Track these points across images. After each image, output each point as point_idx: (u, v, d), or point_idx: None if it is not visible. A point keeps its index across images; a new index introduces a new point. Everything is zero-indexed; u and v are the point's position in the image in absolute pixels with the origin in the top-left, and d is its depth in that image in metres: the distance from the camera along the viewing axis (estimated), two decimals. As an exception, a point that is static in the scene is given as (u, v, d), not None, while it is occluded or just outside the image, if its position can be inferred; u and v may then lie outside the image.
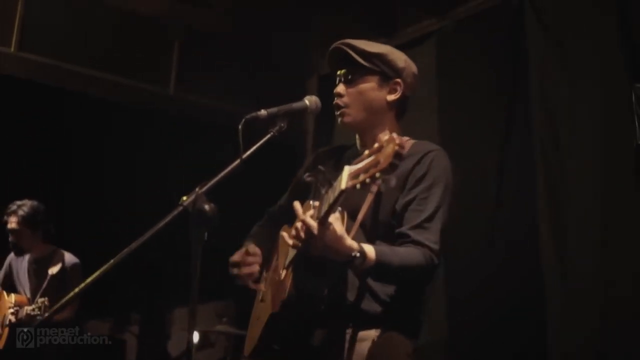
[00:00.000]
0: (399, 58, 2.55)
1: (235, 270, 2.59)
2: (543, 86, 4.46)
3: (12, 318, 4.64)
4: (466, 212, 4.22)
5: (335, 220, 2.14)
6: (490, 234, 4.59)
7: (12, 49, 5.64)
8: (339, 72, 2.56)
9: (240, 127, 2.29)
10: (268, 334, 2.42)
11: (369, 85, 2.51)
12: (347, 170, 1.99)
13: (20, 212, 5.03)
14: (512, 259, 4.39)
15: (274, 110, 2.41)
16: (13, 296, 4.94)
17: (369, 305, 2.35)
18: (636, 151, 3.92)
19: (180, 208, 2.19)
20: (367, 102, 2.51)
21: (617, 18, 4.13)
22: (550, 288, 4.18)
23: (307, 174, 2.40)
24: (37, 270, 5.03)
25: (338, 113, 2.54)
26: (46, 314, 4.40)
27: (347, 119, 2.53)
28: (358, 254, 2.17)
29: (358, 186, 1.94)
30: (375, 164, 1.90)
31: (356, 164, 1.98)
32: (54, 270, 4.86)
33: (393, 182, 2.07)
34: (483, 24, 5.05)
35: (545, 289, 4.19)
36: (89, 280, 2.22)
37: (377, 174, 1.88)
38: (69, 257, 5.05)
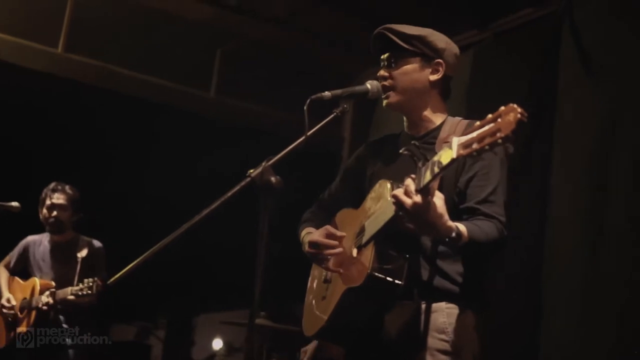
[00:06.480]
0: (440, 39, 2.65)
1: (314, 251, 2.61)
2: (569, 120, 4.20)
3: (49, 299, 4.57)
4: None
5: (437, 198, 2.21)
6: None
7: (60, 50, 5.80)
8: (382, 57, 2.67)
9: (305, 107, 2.41)
10: (343, 310, 2.47)
11: (411, 67, 2.61)
12: (456, 140, 2.02)
13: (68, 191, 5.02)
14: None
15: (337, 92, 2.53)
16: (37, 280, 4.86)
17: (440, 282, 2.45)
18: None
19: (248, 179, 2.28)
20: (410, 82, 2.60)
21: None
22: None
23: (403, 148, 2.43)
24: (62, 255, 4.98)
25: (383, 96, 2.64)
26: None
27: (392, 100, 2.63)
28: (455, 235, 2.25)
29: (474, 154, 1.97)
30: (492, 132, 1.90)
31: (465, 134, 2.00)
32: (82, 254, 4.80)
33: (511, 149, 2.22)
34: (521, 39, 4.91)
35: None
36: (149, 252, 2.29)
37: (499, 141, 1.88)
38: (94, 242, 5.01)
